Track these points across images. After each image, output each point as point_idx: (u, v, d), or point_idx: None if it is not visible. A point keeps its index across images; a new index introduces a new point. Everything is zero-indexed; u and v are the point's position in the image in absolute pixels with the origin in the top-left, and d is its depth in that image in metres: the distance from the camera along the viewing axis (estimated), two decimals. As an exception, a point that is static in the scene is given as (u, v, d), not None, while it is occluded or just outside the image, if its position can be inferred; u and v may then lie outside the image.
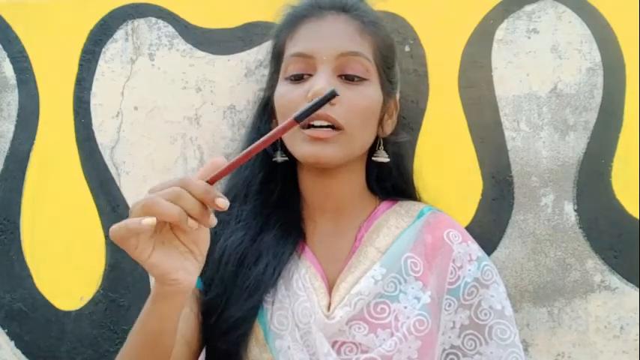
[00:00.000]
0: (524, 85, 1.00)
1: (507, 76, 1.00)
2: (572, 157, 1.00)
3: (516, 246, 1.00)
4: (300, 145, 0.79)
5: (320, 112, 0.73)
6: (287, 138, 0.81)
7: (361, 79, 0.80)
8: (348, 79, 0.79)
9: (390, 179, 0.90)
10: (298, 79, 0.80)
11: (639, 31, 0.98)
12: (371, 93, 0.81)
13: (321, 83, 0.76)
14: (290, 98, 0.79)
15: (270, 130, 0.84)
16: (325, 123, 0.77)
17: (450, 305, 0.81)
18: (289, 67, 0.81)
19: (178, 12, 1.06)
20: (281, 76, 0.82)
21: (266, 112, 0.88)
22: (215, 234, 0.82)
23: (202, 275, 0.82)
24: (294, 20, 0.82)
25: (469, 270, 0.83)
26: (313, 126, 0.77)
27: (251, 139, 0.88)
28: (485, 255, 0.86)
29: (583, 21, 0.99)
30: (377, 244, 0.84)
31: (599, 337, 0.99)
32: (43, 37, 1.08)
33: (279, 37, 0.85)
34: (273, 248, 0.82)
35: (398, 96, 0.91)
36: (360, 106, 0.79)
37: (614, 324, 0.99)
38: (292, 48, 0.81)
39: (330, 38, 0.79)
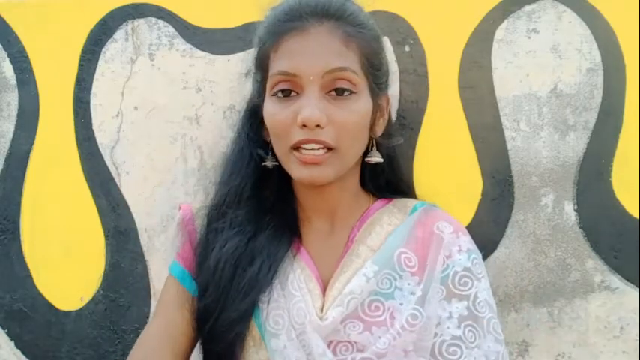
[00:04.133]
0: (524, 85, 1.00)
1: (507, 76, 1.00)
2: (572, 157, 1.00)
3: (516, 246, 1.00)
4: (295, 168, 0.79)
5: (310, 137, 0.76)
6: (282, 159, 0.82)
7: (350, 92, 0.78)
8: (337, 93, 0.78)
9: (383, 175, 0.91)
10: (286, 94, 0.79)
11: (639, 31, 0.98)
12: (360, 107, 0.79)
13: (310, 110, 0.75)
14: (279, 120, 0.79)
15: (261, 137, 0.86)
16: (317, 146, 0.77)
17: (438, 293, 0.80)
18: (275, 85, 0.79)
19: (178, 12, 1.06)
20: (267, 91, 0.81)
21: (257, 119, 0.87)
22: (209, 242, 0.83)
23: (197, 282, 0.83)
24: (277, 32, 0.80)
25: (459, 259, 0.82)
26: (304, 148, 0.77)
27: (240, 145, 0.87)
28: (476, 248, 0.86)
29: (583, 21, 0.99)
30: (369, 243, 0.84)
31: (599, 337, 0.99)
32: (43, 37, 1.08)
33: (262, 46, 0.82)
34: (267, 248, 0.82)
35: (389, 91, 0.89)
36: (351, 124, 0.78)
37: (614, 324, 0.99)
38: (277, 64, 0.79)
39: (315, 55, 0.77)
